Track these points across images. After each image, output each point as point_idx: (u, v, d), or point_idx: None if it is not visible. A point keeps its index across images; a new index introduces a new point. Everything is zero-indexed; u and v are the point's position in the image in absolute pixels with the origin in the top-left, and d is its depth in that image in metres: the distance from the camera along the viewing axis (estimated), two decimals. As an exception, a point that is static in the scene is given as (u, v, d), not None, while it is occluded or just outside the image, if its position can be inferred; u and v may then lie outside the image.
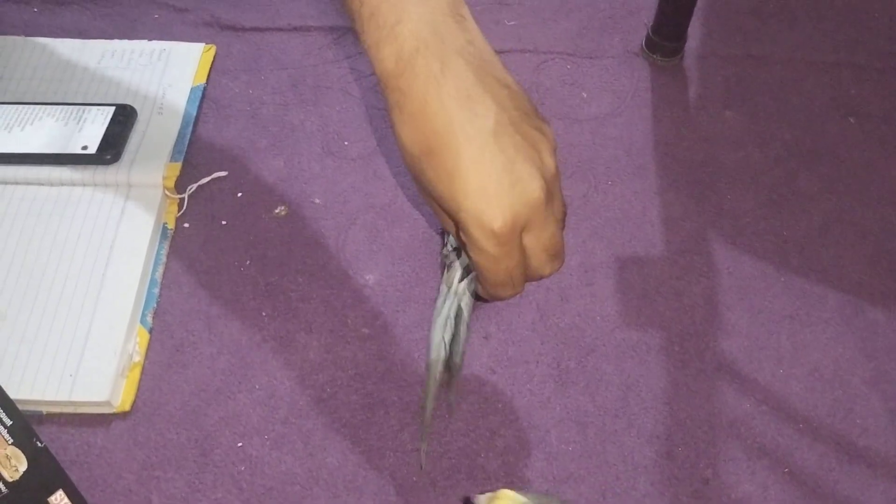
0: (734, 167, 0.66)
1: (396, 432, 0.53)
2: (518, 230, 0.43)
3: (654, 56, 0.72)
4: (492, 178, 0.41)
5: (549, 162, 0.43)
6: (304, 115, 0.68)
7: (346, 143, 0.67)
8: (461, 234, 0.44)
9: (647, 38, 0.72)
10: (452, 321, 0.51)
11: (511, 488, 0.44)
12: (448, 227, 0.47)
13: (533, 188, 0.42)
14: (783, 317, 0.58)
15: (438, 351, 0.52)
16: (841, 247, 0.62)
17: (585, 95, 0.70)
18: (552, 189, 0.43)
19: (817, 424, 0.54)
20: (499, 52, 0.71)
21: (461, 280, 0.51)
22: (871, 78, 0.72)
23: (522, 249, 0.44)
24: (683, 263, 0.61)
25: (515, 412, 0.54)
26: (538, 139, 0.43)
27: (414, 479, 0.51)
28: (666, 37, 0.71)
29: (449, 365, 0.52)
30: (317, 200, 0.63)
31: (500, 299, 0.49)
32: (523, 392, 0.55)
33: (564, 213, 0.47)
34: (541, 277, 0.47)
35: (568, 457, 0.52)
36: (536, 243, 0.44)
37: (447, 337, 0.51)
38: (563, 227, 0.46)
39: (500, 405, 0.54)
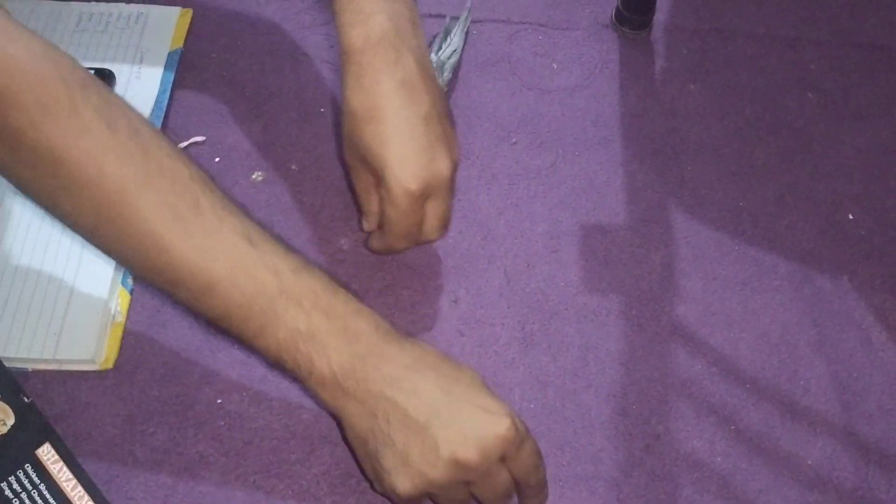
0: (696, 139, 0.69)
1: (368, 390, 0.56)
2: (425, 196, 0.53)
3: (623, 28, 0.74)
4: (415, 152, 0.52)
5: (456, 154, 0.55)
6: (281, 81, 0.70)
7: (322, 109, 0.68)
8: (381, 188, 0.54)
9: (617, 11, 0.74)
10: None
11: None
12: (360, 185, 0.57)
13: (444, 167, 0.53)
14: (736, 283, 0.62)
15: None
16: (794, 217, 0.65)
17: (556, 66, 0.72)
18: (453, 175, 0.54)
19: (763, 385, 0.58)
20: (474, 22, 0.73)
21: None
22: (831, 54, 0.75)
23: (423, 213, 0.54)
24: (644, 232, 0.64)
25: (482, 372, 0.57)
26: (452, 135, 0.55)
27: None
28: (635, 10, 0.73)
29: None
30: (294, 166, 0.65)
31: (395, 251, 0.58)
32: (489, 353, 0.58)
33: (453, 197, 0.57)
34: (427, 241, 0.57)
35: (530, 413, 0.56)
36: (434, 211, 0.55)
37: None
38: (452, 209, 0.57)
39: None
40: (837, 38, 0.76)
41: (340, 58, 0.53)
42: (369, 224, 0.59)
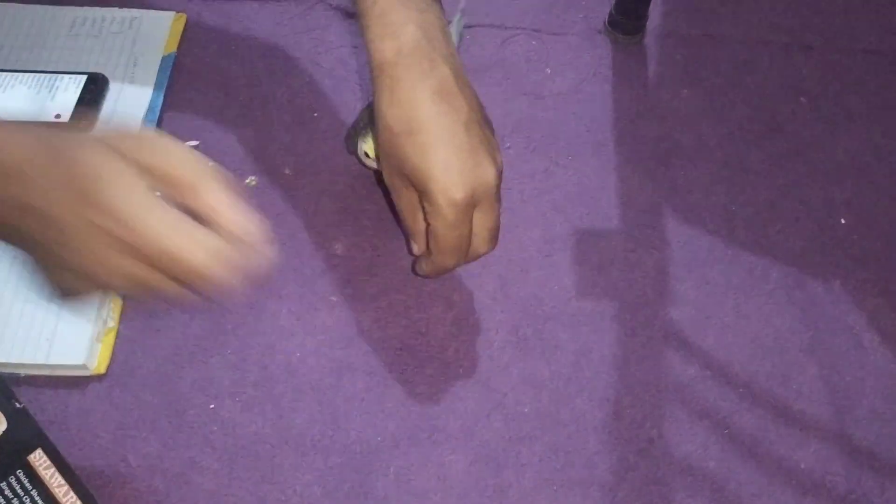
0: (689, 144, 0.69)
1: (362, 395, 0.56)
2: (472, 205, 0.51)
3: (616, 34, 0.74)
4: (459, 159, 0.50)
5: (500, 160, 0.52)
6: (274, 86, 0.70)
7: (315, 114, 0.68)
8: (424, 202, 0.51)
9: (610, 16, 0.74)
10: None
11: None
12: (404, 203, 0.54)
13: (490, 174, 0.51)
14: (728, 287, 0.62)
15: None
16: (786, 222, 0.66)
17: (549, 71, 0.72)
18: (499, 181, 0.52)
19: (756, 389, 0.58)
20: (467, 27, 0.73)
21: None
22: (823, 59, 0.75)
23: (470, 225, 0.52)
24: (637, 236, 0.64)
25: (476, 376, 0.57)
26: (493, 141, 0.53)
27: (378, 439, 0.54)
28: (628, 15, 0.73)
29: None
30: (287, 171, 0.65)
31: (445, 270, 0.55)
32: (483, 358, 0.58)
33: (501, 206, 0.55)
34: (477, 256, 0.55)
35: (524, 418, 0.56)
36: (483, 222, 0.52)
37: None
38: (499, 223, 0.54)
39: (461, 370, 0.57)
40: (829, 43, 0.76)
41: (372, 73, 0.51)
42: (419, 247, 0.56)
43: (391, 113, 0.50)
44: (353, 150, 0.62)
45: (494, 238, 0.54)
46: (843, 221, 0.66)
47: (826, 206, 0.67)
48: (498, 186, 0.52)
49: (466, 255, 0.53)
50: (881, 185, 0.68)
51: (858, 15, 0.78)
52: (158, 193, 0.39)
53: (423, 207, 0.52)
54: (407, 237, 0.58)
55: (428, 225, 0.52)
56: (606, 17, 0.75)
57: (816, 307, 0.62)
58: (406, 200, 0.54)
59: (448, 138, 0.50)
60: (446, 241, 0.52)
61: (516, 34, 0.74)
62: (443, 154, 0.50)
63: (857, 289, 0.62)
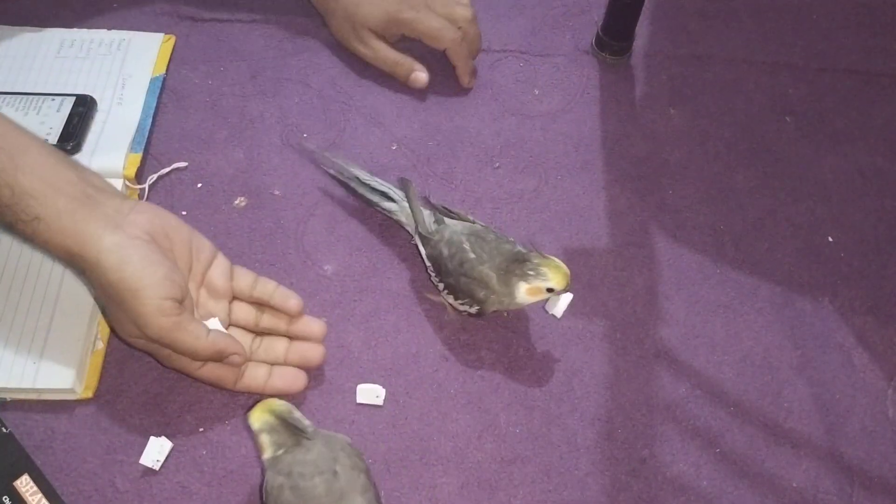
0: (676, 163, 0.69)
1: (353, 417, 0.55)
2: (460, 27, 0.71)
3: (604, 54, 0.75)
4: (445, 7, 0.72)
5: (467, 8, 0.72)
6: (263, 107, 0.70)
7: (305, 134, 0.68)
8: (432, 44, 0.71)
9: (597, 37, 0.75)
10: (381, 187, 0.63)
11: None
12: (391, 52, 0.72)
13: (465, 10, 0.71)
14: (718, 306, 0.62)
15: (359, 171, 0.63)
16: (774, 240, 0.66)
17: (537, 92, 0.73)
18: (474, 19, 0.72)
19: (747, 408, 0.58)
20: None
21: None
22: (808, 78, 0.76)
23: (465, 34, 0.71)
24: (627, 255, 0.64)
25: (467, 397, 0.57)
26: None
27: (369, 461, 0.54)
28: (615, 36, 0.74)
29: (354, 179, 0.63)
30: (276, 192, 0.65)
31: (472, 68, 0.73)
32: (474, 378, 0.58)
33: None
34: (478, 51, 0.73)
35: (515, 438, 0.55)
36: (472, 36, 0.72)
37: (368, 181, 0.63)
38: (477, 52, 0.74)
39: (452, 390, 0.57)
40: (814, 62, 0.77)
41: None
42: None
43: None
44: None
45: (480, 39, 0.73)
46: (830, 239, 0.66)
47: (813, 224, 0.67)
48: (472, 19, 0.72)
49: (476, 51, 0.73)
50: (867, 203, 0.69)
51: (843, 35, 0.79)
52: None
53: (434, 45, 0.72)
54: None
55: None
56: (593, 38, 0.75)
57: (805, 325, 0.62)
58: (389, 50, 0.72)
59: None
60: (454, 44, 0.70)
61: (505, 56, 0.75)
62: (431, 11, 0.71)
63: (846, 306, 0.63)
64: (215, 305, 0.55)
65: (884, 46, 0.79)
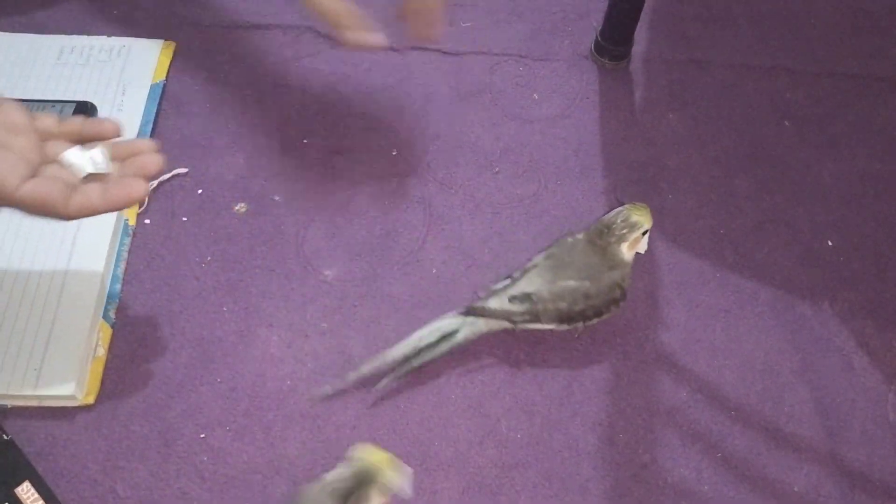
0: (676, 168, 0.69)
1: (354, 423, 0.55)
2: None
3: (603, 59, 0.75)
4: None
5: None
6: (263, 113, 0.70)
7: (305, 140, 0.69)
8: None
9: (596, 42, 0.75)
10: (441, 333, 0.56)
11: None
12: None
13: None
14: (718, 310, 0.62)
15: (408, 346, 0.55)
16: (773, 244, 0.66)
17: (536, 97, 0.73)
18: None
19: (748, 412, 0.58)
20: (454, 54, 0.74)
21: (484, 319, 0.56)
22: (806, 83, 0.76)
23: None
24: (627, 260, 0.64)
25: (468, 402, 0.57)
26: None
27: (370, 466, 0.54)
28: (614, 41, 0.74)
29: (406, 361, 0.55)
30: (276, 198, 0.65)
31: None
32: (475, 383, 0.58)
33: None
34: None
35: (516, 444, 0.55)
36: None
37: (424, 342, 0.56)
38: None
39: (453, 396, 0.57)
40: (813, 67, 0.77)
41: None
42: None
43: None
44: None
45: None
46: (830, 243, 0.66)
47: (813, 228, 0.67)
48: None
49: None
50: (867, 206, 0.69)
51: (842, 39, 0.80)
52: None
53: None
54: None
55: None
56: (592, 42, 0.76)
57: (806, 329, 0.62)
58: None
59: None
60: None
61: (503, 61, 0.75)
62: None
63: (846, 310, 0.63)
64: (14, 140, 0.47)
65: (882, 51, 0.79)
